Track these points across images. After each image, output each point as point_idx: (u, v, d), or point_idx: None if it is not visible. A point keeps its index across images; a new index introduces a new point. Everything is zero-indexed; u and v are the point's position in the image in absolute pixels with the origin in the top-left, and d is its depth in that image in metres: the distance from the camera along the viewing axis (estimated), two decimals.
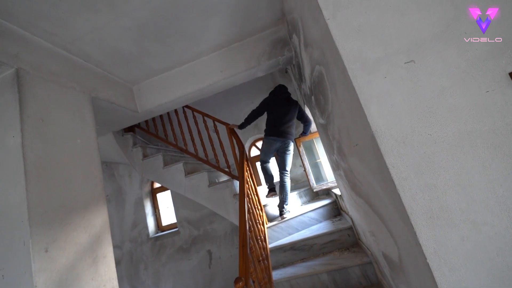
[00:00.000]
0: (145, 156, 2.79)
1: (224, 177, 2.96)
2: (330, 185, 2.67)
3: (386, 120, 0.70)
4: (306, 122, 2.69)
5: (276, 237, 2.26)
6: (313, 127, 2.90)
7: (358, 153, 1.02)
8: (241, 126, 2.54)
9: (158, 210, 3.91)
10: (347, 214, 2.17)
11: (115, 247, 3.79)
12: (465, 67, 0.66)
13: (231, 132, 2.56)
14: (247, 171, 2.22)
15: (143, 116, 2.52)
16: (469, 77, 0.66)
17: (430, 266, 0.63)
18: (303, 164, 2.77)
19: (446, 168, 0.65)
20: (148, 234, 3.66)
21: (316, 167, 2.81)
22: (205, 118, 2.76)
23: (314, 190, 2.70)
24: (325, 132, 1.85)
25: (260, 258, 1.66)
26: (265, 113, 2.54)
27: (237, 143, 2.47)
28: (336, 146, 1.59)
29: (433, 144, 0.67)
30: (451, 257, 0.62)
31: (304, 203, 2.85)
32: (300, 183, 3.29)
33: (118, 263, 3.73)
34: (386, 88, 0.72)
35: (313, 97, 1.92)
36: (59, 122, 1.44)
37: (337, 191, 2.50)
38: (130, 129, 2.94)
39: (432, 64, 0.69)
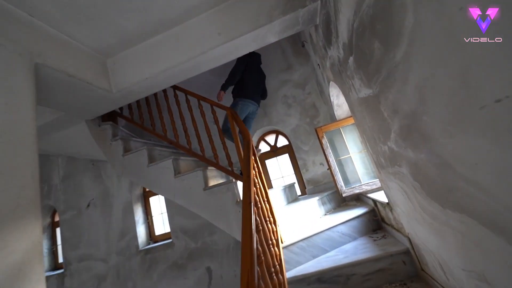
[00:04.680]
0: (127, 151, 2.22)
1: (225, 178, 2.35)
2: (365, 188, 2.01)
3: None
4: (264, 96, 2.61)
5: (296, 261, 1.62)
6: (340, 113, 2.25)
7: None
8: (224, 87, 2.30)
9: (151, 217, 3.34)
10: (399, 231, 1.51)
11: (100, 260, 3.24)
12: None
13: (233, 118, 1.95)
14: (254, 169, 1.61)
15: (121, 98, 1.95)
16: None
17: None
18: (327, 161, 2.13)
19: None
20: (137, 246, 3.08)
21: (343, 164, 2.16)
22: (201, 102, 2.17)
23: (344, 195, 2.05)
24: (371, 108, 1.21)
25: None
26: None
27: (241, 131, 1.86)
28: (400, 125, 0.95)
29: None
30: None
31: (329, 211, 2.20)
32: (321, 185, 2.64)
33: (103, 279, 3.17)
34: None
35: (351, 58, 1.29)
36: None
37: (376, 196, 1.84)
38: (111, 118, 2.38)
39: None
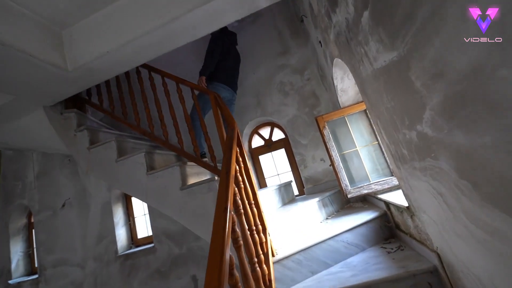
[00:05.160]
0: (93, 143, 1.89)
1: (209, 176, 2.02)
2: (375, 188, 1.68)
3: None
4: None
5: (291, 278, 1.30)
6: (344, 99, 1.92)
7: None
8: (204, 71, 2.00)
9: (133, 219, 3.02)
10: (422, 243, 1.19)
11: (76, 266, 2.92)
12: None
13: (216, 103, 1.61)
14: (238, 164, 1.28)
15: (80, 78, 1.61)
16: None
17: None
18: (330, 156, 1.80)
19: None
20: (116, 251, 2.76)
21: (348, 160, 1.83)
22: (181, 86, 1.83)
23: (349, 196, 1.72)
24: (393, 80, 0.88)
25: None
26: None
27: (225, 118, 1.53)
28: (445, 96, 0.63)
29: None
30: None
31: (331, 215, 1.88)
32: (322, 184, 2.31)
33: (80, 287, 2.86)
34: None
35: (366, 14, 0.97)
36: None
37: (389, 197, 1.51)
38: (77, 105, 2.04)
39: None
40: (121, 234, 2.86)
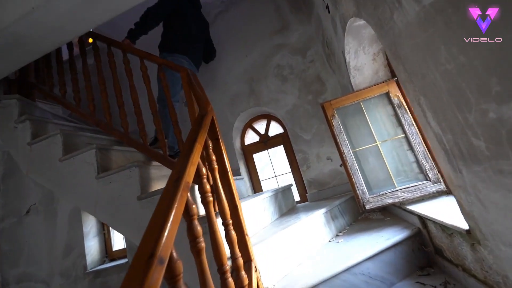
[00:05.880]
0: (35, 137, 1.47)
1: None
2: (403, 196, 1.25)
3: None
4: (212, 56, 2.07)
5: None
6: (359, 80, 1.49)
7: None
8: (133, 34, 1.59)
9: (108, 228, 2.60)
10: (486, 284, 0.76)
11: (40, 282, 2.51)
12: None
13: (189, 82, 1.19)
14: (209, 162, 0.86)
15: (5, 48, 1.19)
16: None
17: None
18: (341, 154, 1.37)
19: None
20: (85, 266, 2.35)
21: (364, 159, 1.40)
22: (146, 63, 1.40)
23: (367, 207, 1.29)
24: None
25: None
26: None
27: (197, 101, 1.11)
28: None
29: None
30: None
31: (343, 230, 1.45)
32: (329, 189, 1.88)
33: None
34: None
35: None
36: None
37: (426, 209, 1.08)
38: (22, 91, 1.62)
39: None
40: (91, 247, 2.45)
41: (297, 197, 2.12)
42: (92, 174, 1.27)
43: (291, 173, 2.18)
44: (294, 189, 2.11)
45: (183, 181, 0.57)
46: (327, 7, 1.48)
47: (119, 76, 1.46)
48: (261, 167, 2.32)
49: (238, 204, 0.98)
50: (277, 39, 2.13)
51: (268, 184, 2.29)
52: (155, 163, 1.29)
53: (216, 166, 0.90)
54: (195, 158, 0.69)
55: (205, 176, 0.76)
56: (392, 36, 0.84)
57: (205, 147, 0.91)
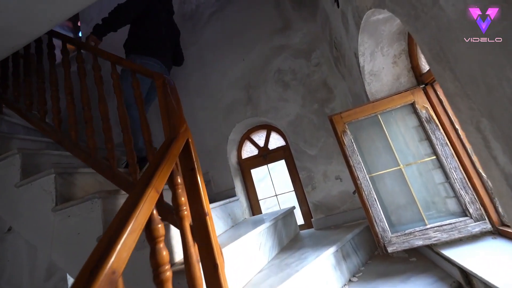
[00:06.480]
0: None
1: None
2: (436, 236, 0.97)
3: None
4: (180, 61, 1.92)
5: None
6: (376, 88, 1.23)
7: None
8: (100, 30, 1.41)
9: None
10: None
11: None
12: None
13: (165, 90, 0.95)
14: (177, 193, 0.61)
15: None
16: None
17: None
18: (354, 179, 1.11)
19: None
20: None
21: (382, 187, 1.13)
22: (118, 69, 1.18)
23: (390, 250, 1.02)
24: None
25: None
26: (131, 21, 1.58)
27: (169, 108, 0.87)
28: None
29: None
30: None
31: (357, 273, 1.17)
32: (338, 214, 1.61)
33: None
34: None
35: None
36: None
37: (466, 260, 0.80)
38: None
39: None
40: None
41: (300, 220, 1.85)
42: (49, 205, 1.05)
43: (293, 191, 1.92)
44: (297, 211, 1.84)
45: (102, 273, 0.33)
46: (336, 0, 1.23)
47: (89, 85, 1.24)
48: (259, 184, 2.07)
49: (218, 252, 0.72)
50: (278, 39, 1.89)
51: (268, 203, 2.03)
52: (123, 192, 1.06)
53: (186, 213, 0.65)
54: (139, 220, 0.45)
55: (160, 240, 0.51)
56: (436, 29, 0.58)
57: (172, 185, 0.66)
